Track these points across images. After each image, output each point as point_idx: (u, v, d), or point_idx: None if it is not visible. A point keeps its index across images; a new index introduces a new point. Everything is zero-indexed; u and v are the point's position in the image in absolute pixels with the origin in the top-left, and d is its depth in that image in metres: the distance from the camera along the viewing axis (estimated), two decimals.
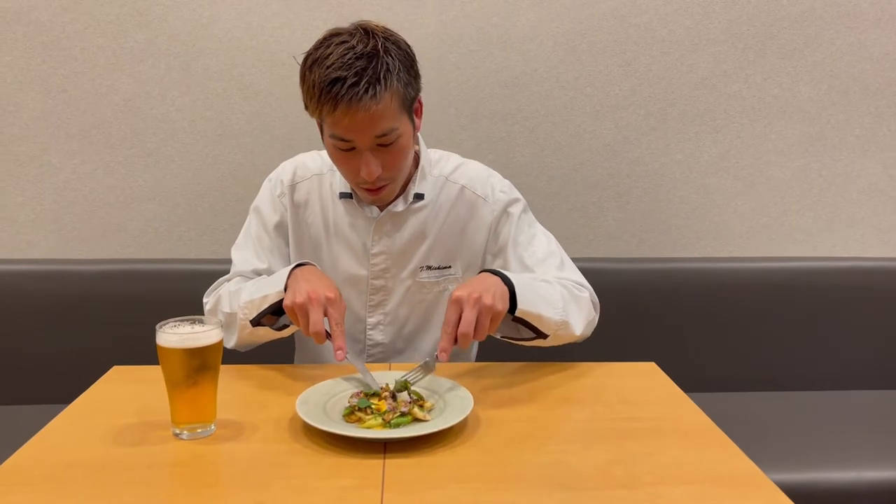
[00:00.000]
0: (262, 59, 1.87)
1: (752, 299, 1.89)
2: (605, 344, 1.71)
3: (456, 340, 1.11)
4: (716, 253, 2.04)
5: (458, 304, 1.11)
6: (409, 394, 1.09)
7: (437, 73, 1.91)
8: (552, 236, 1.44)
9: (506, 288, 1.17)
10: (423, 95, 1.90)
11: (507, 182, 1.43)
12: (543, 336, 1.24)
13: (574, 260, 1.43)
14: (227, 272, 1.41)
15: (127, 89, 1.87)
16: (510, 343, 1.30)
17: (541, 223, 1.46)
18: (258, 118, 1.90)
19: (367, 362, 1.41)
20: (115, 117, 1.88)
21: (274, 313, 1.25)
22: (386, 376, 1.16)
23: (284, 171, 1.41)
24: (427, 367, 1.14)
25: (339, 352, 1.11)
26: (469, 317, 1.09)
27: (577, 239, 2.00)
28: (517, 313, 1.18)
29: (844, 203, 2.02)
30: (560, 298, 1.26)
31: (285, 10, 1.85)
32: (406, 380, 1.11)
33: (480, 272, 1.23)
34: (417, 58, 1.90)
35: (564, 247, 1.44)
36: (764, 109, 1.97)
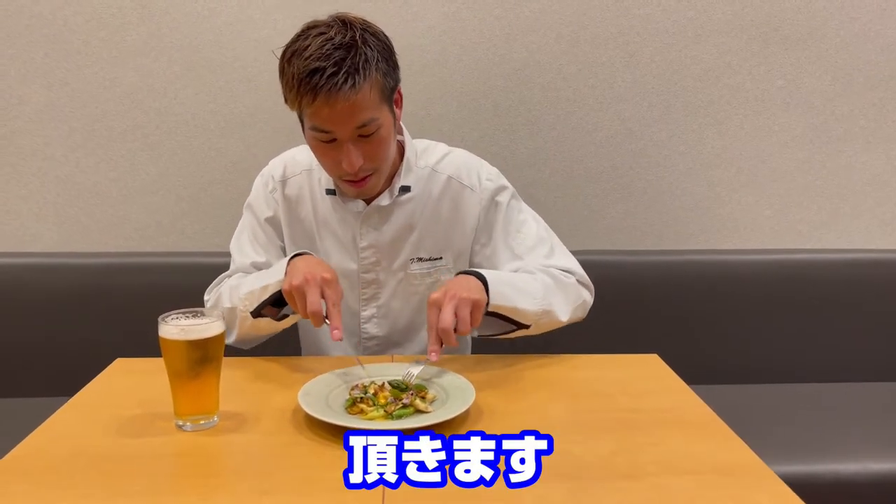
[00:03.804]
0: (265, 51, 1.86)
1: (755, 291, 1.88)
2: (607, 336, 1.71)
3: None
4: (719, 245, 2.03)
5: (435, 304, 1.13)
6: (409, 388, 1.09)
7: (440, 65, 1.90)
8: (542, 221, 1.44)
9: (481, 284, 1.19)
10: (426, 88, 1.92)
11: (494, 170, 1.43)
12: (525, 326, 1.25)
13: (576, 252, 1.43)
14: (230, 265, 1.41)
15: (129, 82, 1.87)
16: (492, 340, 1.31)
17: (543, 216, 1.45)
18: (261, 111, 1.90)
19: (365, 355, 1.42)
20: (117, 110, 1.88)
21: (275, 305, 1.25)
22: (386, 370, 1.16)
23: (275, 167, 1.42)
24: (415, 370, 1.13)
25: (335, 331, 1.12)
26: (447, 313, 1.11)
27: (579, 231, 2.00)
28: (490, 307, 1.20)
29: (848, 195, 2.02)
30: (541, 288, 1.27)
31: (287, 3, 1.85)
32: (403, 379, 1.11)
33: (456, 274, 1.25)
34: (420, 50, 1.91)
35: (567, 240, 1.44)
36: (767, 101, 1.96)
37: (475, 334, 1.28)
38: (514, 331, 1.27)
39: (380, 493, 0.84)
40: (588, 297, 1.39)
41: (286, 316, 1.27)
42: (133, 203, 1.93)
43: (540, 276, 1.31)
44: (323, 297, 1.13)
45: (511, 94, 1.93)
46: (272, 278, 1.21)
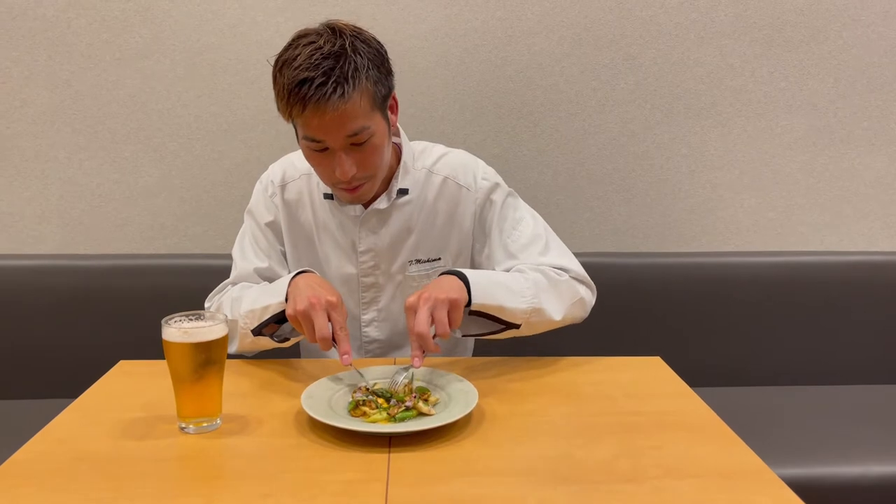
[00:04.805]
0: (267, 53, 1.84)
1: (759, 294, 1.88)
2: (610, 338, 1.71)
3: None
4: (722, 247, 2.03)
5: (411, 308, 1.11)
6: (396, 396, 1.08)
7: (442, 68, 1.91)
8: (540, 219, 1.42)
9: (462, 283, 1.17)
10: (428, 90, 1.92)
11: (490, 169, 1.42)
12: (515, 326, 1.23)
13: (579, 254, 1.42)
14: (231, 270, 1.41)
15: (132, 84, 1.87)
16: (480, 339, 1.29)
17: (545, 218, 1.44)
18: (263, 113, 1.90)
19: (366, 358, 1.41)
20: (120, 112, 1.89)
21: (277, 321, 1.24)
22: (386, 373, 1.16)
23: (274, 172, 1.41)
24: (401, 378, 1.12)
25: (345, 356, 1.11)
26: (422, 316, 1.08)
27: (582, 233, 2.00)
28: (473, 307, 1.17)
29: (851, 197, 2.01)
30: (531, 286, 1.25)
31: (290, 5, 1.85)
32: (389, 387, 1.10)
33: (439, 275, 1.22)
34: (422, 52, 1.91)
35: (570, 242, 1.43)
36: (770, 103, 1.96)
37: (458, 335, 1.25)
38: (502, 331, 1.25)
39: (382, 495, 0.84)
40: (586, 295, 1.36)
41: (286, 338, 1.26)
42: (136, 205, 1.93)
43: (531, 275, 1.28)
44: (329, 320, 1.11)
45: (513, 96, 1.93)
46: (273, 298, 1.20)
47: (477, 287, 1.18)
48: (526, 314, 1.23)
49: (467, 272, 1.20)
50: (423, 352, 1.10)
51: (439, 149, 1.42)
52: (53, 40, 1.84)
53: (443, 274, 1.22)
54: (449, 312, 1.11)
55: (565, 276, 1.32)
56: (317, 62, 1.10)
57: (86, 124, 1.89)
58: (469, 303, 1.17)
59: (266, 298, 1.22)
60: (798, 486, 0.88)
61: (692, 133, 1.97)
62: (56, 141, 1.89)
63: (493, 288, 1.20)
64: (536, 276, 1.28)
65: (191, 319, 1.02)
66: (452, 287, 1.14)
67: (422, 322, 1.08)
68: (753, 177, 2.00)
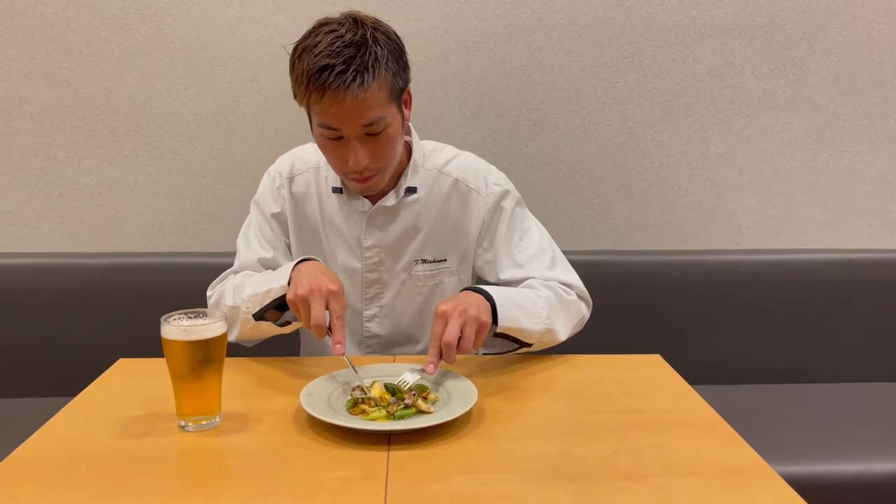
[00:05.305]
0: (267, 51, 1.86)
1: (759, 292, 1.88)
2: (610, 336, 1.71)
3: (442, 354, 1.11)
4: (722, 245, 2.03)
5: (443, 317, 1.12)
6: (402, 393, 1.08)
7: (442, 65, 1.90)
8: (545, 231, 1.44)
9: (488, 304, 1.18)
10: (428, 88, 1.92)
11: (501, 174, 1.43)
12: (528, 345, 1.26)
13: (579, 253, 1.43)
14: (232, 265, 1.42)
15: (132, 82, 1.87)
16: (494, 356, 1.30)
17: (546, 216, 1.45)
18: (263, 111, 1.89)
19: (366, 354, 1.42)
20: (120, 111, 1.88)
21: (278, 309, 1.25)
22: (386, 371, 1.16)
23: (282, 164, 1.42)
24: (411, 378, 1.12)
25: (337, 346, 1.11)
26: (453, 328, 1.09)
27: (582, 231, 2.00)
28: (499, 329, 1.20)
29: (852, 195, 2.01)
30: (545, 306, 1.27)
31: (290, 3, 1.85)
32: (397, 385, 1.10)
33: (462, 290, 1.24)
34: (422, 50, 1.91)
35: (570, 240, 1.44)
36: (770, 101, 1.95)
37: (481, 352, 1.28)
38: (516, 349, 1.27)
39: (381, 493, 0.84)
40: (586, 312, 1.39)
41: (288, 322, 1.27)
42: (135, 203, 1.93)
43: (544, 293, 1.30)
44: (327, 308, 1.12)
45: (513, 93, 1.93)
46: (276, 283, 1.21)
47: (504, 311, 1.20)
48: (540, 334, 1.25)
49: (493, 294, 1.21)
50: (439, 360, 1.11)
51: (450, 150, 1.43)
52: (53, 38, 1.83)
53: (466, 289, 1.23)
54: (476, 332, 1.12)
55: (573, 296, 1.35)
56: (338, 50, 1.11)
57: (85, 122, 1.88)
58: (494, 323, 1.19)
59: (269, 283, 1.23)
60: (798, 484, 0.88)
61: (692, 131, 1.97)
62: (55, 139, 1.89)
63: (515, 310, 1.22)
64: (549, 294, 1.31)
65: (190, 317, 1.02)
66: (482, 307, 1.16)
67: (452, 333, 1.09)
68: (754, 174, 1.99)
